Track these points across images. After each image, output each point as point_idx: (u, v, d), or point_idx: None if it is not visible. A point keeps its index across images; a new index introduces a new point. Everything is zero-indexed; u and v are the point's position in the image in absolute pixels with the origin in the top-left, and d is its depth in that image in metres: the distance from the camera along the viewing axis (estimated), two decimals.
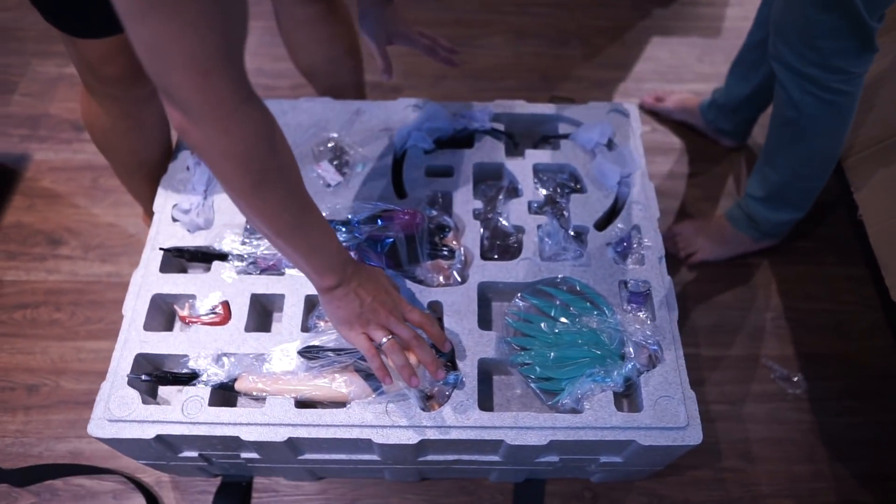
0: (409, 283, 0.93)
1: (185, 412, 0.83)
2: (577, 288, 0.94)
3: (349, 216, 0.92)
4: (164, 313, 0.96)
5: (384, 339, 0.78)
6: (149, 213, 1.15)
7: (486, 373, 0.94)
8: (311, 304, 0.93)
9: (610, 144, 1.09)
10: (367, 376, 0.84)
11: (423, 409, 0.84)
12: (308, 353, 0.84)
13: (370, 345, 0.78)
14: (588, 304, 0.93)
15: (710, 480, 1.11)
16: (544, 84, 1.65)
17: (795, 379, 1.22)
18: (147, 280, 0.94)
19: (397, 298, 0.82)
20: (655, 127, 1.56)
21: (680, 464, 1.12)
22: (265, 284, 0.93)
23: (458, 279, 0.94)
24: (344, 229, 0.91)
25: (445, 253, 0.95)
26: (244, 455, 0.91)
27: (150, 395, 0.93)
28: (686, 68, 1.70)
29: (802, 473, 1.13)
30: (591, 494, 1.09)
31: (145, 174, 1.09)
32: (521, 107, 1.13)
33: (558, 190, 1.04)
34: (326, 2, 1.13)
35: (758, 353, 1.25)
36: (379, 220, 0.91)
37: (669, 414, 0.85)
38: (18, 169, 1.44)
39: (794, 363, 1.24)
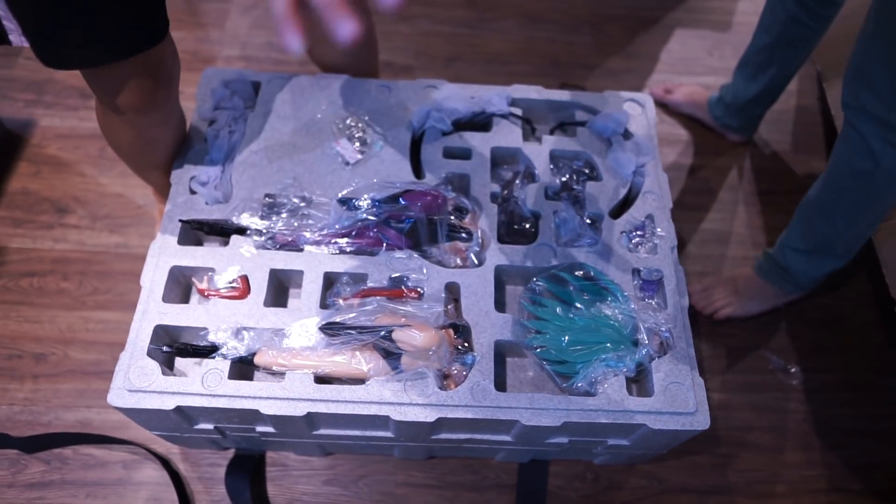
0: (427, 264, 0.94)
1: (205, 384, 0.84)
2: (592, 274, 0.95)
3: (370, 195, 0.92)
4: (180, 285, 0.96)
5: None
6: (159, 192, 1.13)
7: (500, 354, 0.96)
8: (329, 281, 0.94)
9: (626, 134, 1.10)
10: (387, 355, 0.85)
11: (441, 388, 0.85)
12: (329, 329, 0.85)
13: None
14: (602, 290, 0.94)
15: (708, 466, 1.15)
16: (555, 70, 1.65)
17: (792, 370, 1.25)
18: (165, 251, 0.94)
19: None
20: (663, 118, 1.57)
21: (679, 449, 1.14)
22: (284, 260, 0.94)
23: (476, 262, 0.96)
24: (362, 207, 0.92)
25: (463, 235, 0.95)
26: (259, 429, 0.92)
27: (167, 366, 0.94)
28: (696, 61, 1.71)
29: (795, 461, 1.16)
30: (594, 476, 1.12)
31: (158, 169, 1.05)
32: (538, 92, 1.13)
33: (574, 177, 1.05)
34: None
35: (757, 345, 1.28)
36: (401, 199, 0.91)
37: (679, 399, 0.87)
38: (24, 134, 1.42)
39: (791, 355, 1.27)
